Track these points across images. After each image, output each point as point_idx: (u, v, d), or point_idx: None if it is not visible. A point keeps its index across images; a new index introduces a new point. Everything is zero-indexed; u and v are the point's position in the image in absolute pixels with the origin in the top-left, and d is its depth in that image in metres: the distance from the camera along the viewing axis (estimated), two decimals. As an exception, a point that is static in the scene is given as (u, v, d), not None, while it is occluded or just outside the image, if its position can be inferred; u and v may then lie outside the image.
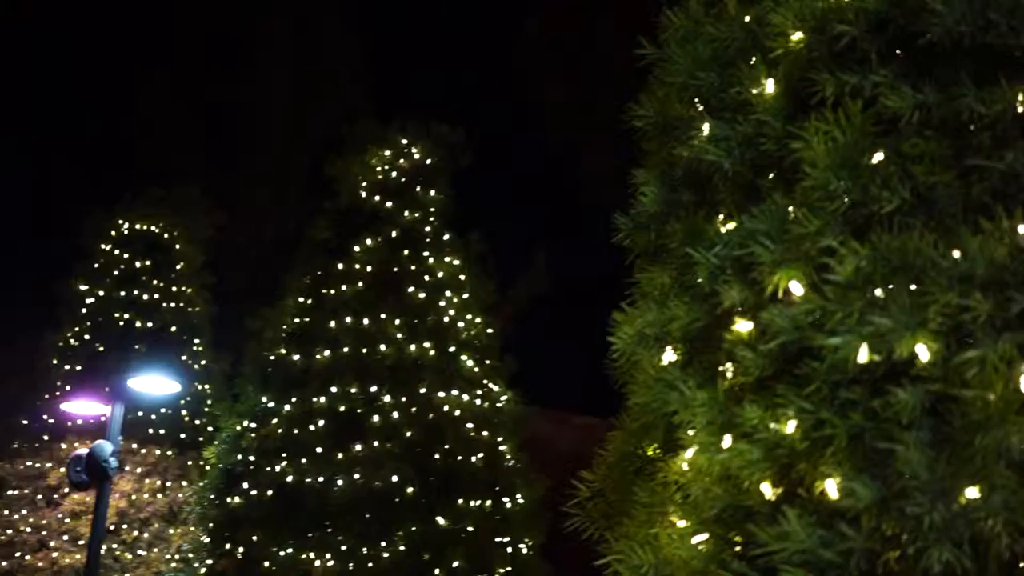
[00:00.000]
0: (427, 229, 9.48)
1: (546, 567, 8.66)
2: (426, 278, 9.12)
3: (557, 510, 8.47)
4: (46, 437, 11.17)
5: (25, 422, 11.48)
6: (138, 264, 12.01)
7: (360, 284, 8.95)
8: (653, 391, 2.72)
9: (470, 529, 8.07)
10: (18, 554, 10.38)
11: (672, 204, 3.00)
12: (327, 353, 8.63)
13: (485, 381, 9.09)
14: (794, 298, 2.35)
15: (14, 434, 11.53)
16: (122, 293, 11.84)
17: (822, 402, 2.19)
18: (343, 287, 8.95)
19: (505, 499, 8.57)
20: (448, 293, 9.18)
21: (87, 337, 11.69)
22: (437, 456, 8.26)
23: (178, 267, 12.35)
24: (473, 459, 8.46)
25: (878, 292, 2.16)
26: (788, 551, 2.09)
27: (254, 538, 8.02)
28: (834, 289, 2.20)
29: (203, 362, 12.09)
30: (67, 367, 11.58)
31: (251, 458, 8.53)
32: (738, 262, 2.55)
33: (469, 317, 9.23)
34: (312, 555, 7.75)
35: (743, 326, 2.55)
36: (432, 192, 9.68)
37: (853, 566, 2.02)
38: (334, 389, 8.42)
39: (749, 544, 2.32)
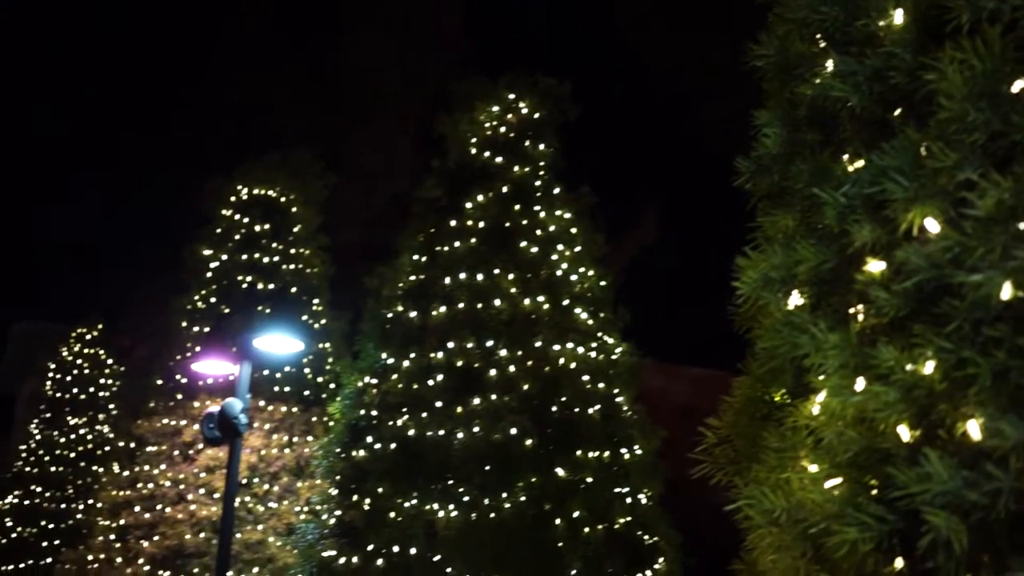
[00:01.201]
0: (537, 183, 9.47)
1: (665, 517, 8.66)
2: (538, 232, 9.12)
3: (673, 461, 8.47)
4: (179, 396, 11.69)
5: (160, 382, 12.02)
6: (257, 228, 12.38)
7: (473, 240, 9.02)
8: (781, 335, 2.68)
9: (589, 480, 8.12)
10: (159, 507, 10.94)
11: (796, 144, 2.93)
12: (443, 309, 8.75)
13: (599, 333, 9.08)
14: (930, 235, 2.28)
15: (150, 394, 12.10)
16: (244, 257, 12.23)
17: (963, 341, 2.12)
18: (456, 244, 9.04)
19: (623, 450, 8.58)
20: (560, 246, 9.17)
21: (213, 300, 12.13)
22: (554, 408, 8.31)
23: (295, 230, 12.68)
24: (590, 411, 8.48)
25: (1022, 226, 2.08)
26: (930, 493, 2.05)
27: (380, 490, 8.24)
28: (974, 224, 2.12)
29: (323, 321, 12.43)
30: (196, 329, 12.05)
31: (373, 413, 8.74)
32: (869, 200, 2.48)
33: (582, 270, 9.21)
34: (436, 506, 7.93)
35: (875, 266, 2.48)
36: (541, 146, 9.66)
37: (1001, 507, 1.97)
38: (451, 344, 8.54)
39: (887, 487, 2.28)
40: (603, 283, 9.38)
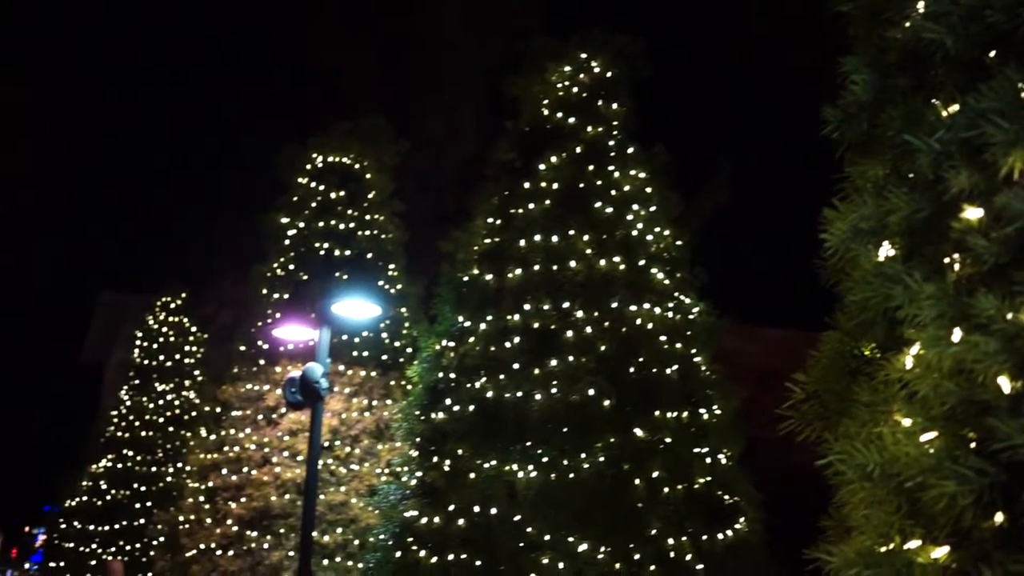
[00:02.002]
0: (611, 143, 9.38)
1: (745, 477, 8.60)
2: (612, 192, 9.04)
3: (749, 423, 8.36)
4: (262, 362, 11.95)
5: (242, 348, 12.30)
6: (333, 195, 12.53)
7: (547, 202, 8.98)
8: (872, 287, 2.62)
9: (668, 440, 8.09)
10: (245, 469, 11.23)
11: (886, 91, 2.84)
12: (518, 271, 8.75)
13: (676, 293, 8.99)
14: (1032, 179, 2.19)
15: (233, 360, 12.40)
16: (320, 224, 12.40)
17: (1068, 287, 2.05)
18: (530, 205, 9.01)
19: (702, 410, 8.52)
20: (635, 206, 9.08)
21: (292, 267, 12.34)
22: (631, 369, 8.27)
23: (370, 196, 12.80)
24: (668, 371, 8.42)
25: None
26: (1035, 444, 1.99)
27: (459, 451, 8.33)
28: (1080, 166, 2.03)
29: (398, 287, 12.56)
30: (275, 296, 12.28)
31: (451, 376, 8.81)
32: (966, 145, 2.39)
33: (657, 230, 9.12)
34: (515, 467, 7.98)
35: (973, 213, 2.40)
36: (614, 105, 9.55)
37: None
38: (527, 306, 8.55)
39: (986, 440, 2.22)
40: (679, 243, 9.28)
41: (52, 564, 15.01)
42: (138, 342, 16.10)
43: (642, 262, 8.83)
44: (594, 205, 8.94)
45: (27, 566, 50.19)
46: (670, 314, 8.79)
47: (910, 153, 2.59)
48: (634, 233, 8.96)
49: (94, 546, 14.35)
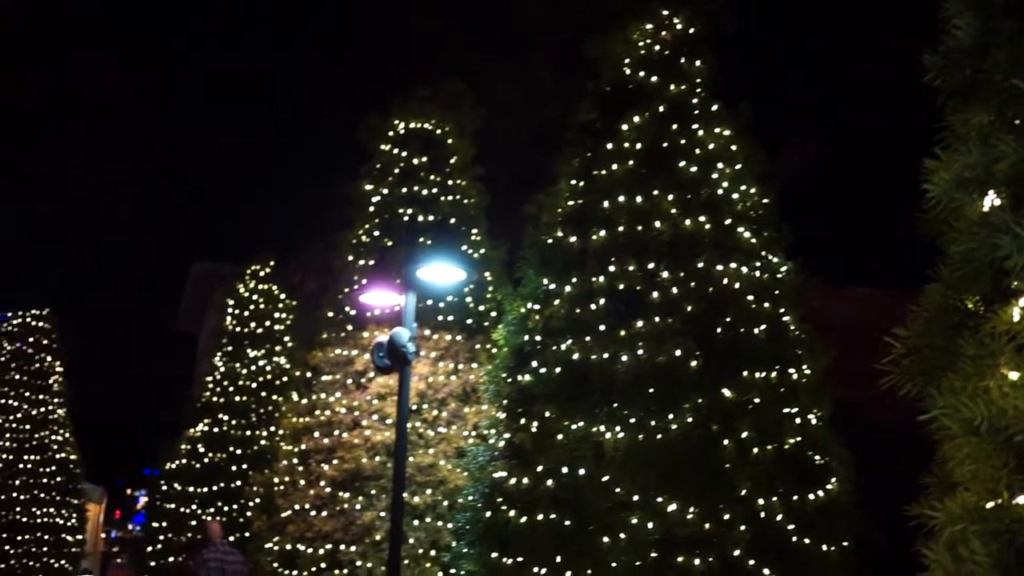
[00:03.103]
0: (695, 101, 9.23)
1: (836, 437, 8.49)
2: (697, 151, 8.92)
3: (838, 382, 8.22)
4: (350, 327, 12.16)
5: (330, 314, 12.53)
6: (415, 161, 12.62)
7: (630, 162, 8.90)
8: (978, 237, 2.56)
9: (756, 400, 8.01)
10: (336, 432, 11.49)
11: (991, 34, 2.74)
12: (603, 233, 8.71)
13: (763, 252, 8.85)
14: None
15: (321, 326, 12.65)
16: (403, 190, 12.52)
17: None
18: (614, 166, 8.94)
19: (791, 370, 8.41)
20: (720, 164, 8.94)
21: (376, 234, 12.50)
22: (719, 329, 8.20)
23: (452, 161, 12.86)
24: (755, 331, 8.32)
25: None
26: None
27: (547, 413, 8.38)
28: None
29: (482, 251, 12.62)
30: (361, 263, 12.46)
31: (537, 338, 8.85)
32: (1078, 88, 2.31)
33: (743, 188, 8.97)
34: (603, 428, 8.00)
35: (1086, 158, 2.32)
36: (697, 62, 9.39)
37: None
38: (612, 268, 8.52)
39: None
40: (765, 201, 9.13)
41: (155, 524, 15.57)
42: (230, 310, 16.50)
43: (728, 221, 8.71)
44: (678, 164, 8.84)
45: (130, 526, 52.34)
46: (757, 273, 8.66)
47: (1017, 98, 2.51)
48: (719, 192, 8.84)
49: (194, 507, 14.85)
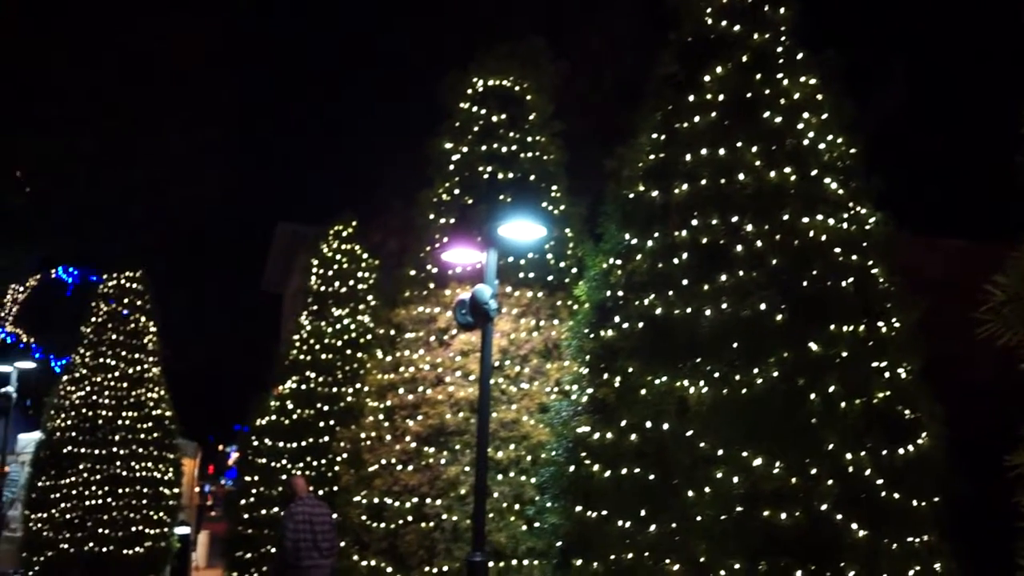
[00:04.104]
0: (779, 50, 9.01)
1: (927, 391, 8.32)
2: (781, 101, 8.72)
3: (929, 337, 8.04)
4: (432, 285, 12.29)
5: (412, 273, 12.66)
6: (495, 119, 12.61)
7: (713, 114, 8.75)
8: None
9: (844, 354, 7.88)
10: (420, 388, 11.66)
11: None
12: (685, 187, 8.61)
13: (851, 203, 8.66)
14: None
15: (404, 284, 12.79)
16: (483, 148, 12.53)
17: None
18: (696, 119, 8.81)
19: (880, 323, 8.25)
20: (806, 114, 8.74)
21: (456, 192, 12.55)
22: (805, 282, 8.06)
23: (531, 118, 12.81)
24: (843, 284, 8.17)
25: None
26: None
27: (629, 368, 8.37)
28: None
29: (562, 207, 12.59)
30: (442, 221, 12.54)
31: (619, 293, 8.82)
32: None
33: (830, 138, 8.76)
34: (686, 383, 7.98)
35: None
36: (781, 9, 9.15)
37: None
38: (695, 222, 8.42)
39: None
40: (853, 151, 8.91)
41: (246, 478, 16.04)
42: (314, 270, 16.79)
43: (814, 172, 8.53)
44: (762, 115, 8.67)
45: (222, 481, 54.11)
46: (844, 225, 8.49)
47: None
48: (805, 142, 8.65)
49: (284, 461, 15.27)
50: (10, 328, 32.68)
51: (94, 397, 21.07)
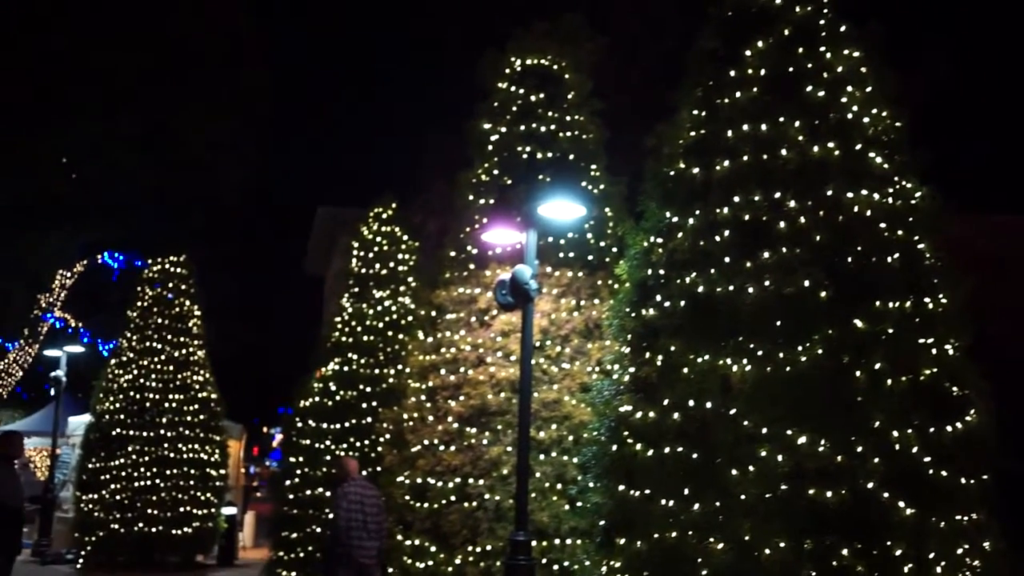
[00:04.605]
0: (821, 23, 8.87)
1: (974, 368, 8.21)
2: (824, 74, 8.59)
3: (976, 312, 7.93)
4: (472, 266, 12.30)
5: (452, 254, 12.68)
6: (533, 98, 12.55)
7: (755, 89, 8.64)
8: None
9: (890, 331, 7.79)
10: (461, 369, 11.70)
11: None
12: (727, 163, 8.52)
13: (896, 178, 8.53)
14: None
15: (444, 265, 12.82)
16: (522, 128, 12.49)
17: None
18: (737, 94, 8.70)
19: (927, 299, 8.13)
20: (849, 88, 8.60)
21: (496, 172, 12.53)
22: (849, 258, 7.96)
23: (569, 96, 12.74)
24: (888, 260, 8.06)
25: None
26: None
27: (672, 347, 8.33)
28: None
29: (601, 186, 12.53)
30: (481, 201, 12.53)
31: (661, 271, 8.77)
32: None
33: (874, 111, 8.62)
34: (729, 361, 7.92)
35: None
36: (823, -19, 9.01)
37: None
38: (737, 198, 8.33)
39: None
40: (898, 124, 8.77)
41: (291, 459, 16.20)
42: (355, 252, 16.85)
43: (858, 146, 8.41)
44: (805, 89, 8.55)
45: (267, 462, 54.82)
46: (890, 200, 8.37)
47: None
48: (849, 116, 8.53)
49: (328, 442, 15.39)
50: (59, 313, 33.28)
51: (141, 380, 21.41)
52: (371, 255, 16.65)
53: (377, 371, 15.63)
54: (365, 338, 15.97)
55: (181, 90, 29.71)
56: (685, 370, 8.13)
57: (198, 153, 30.48)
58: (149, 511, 20.37)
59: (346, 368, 15.85)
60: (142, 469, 20.62)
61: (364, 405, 15.35)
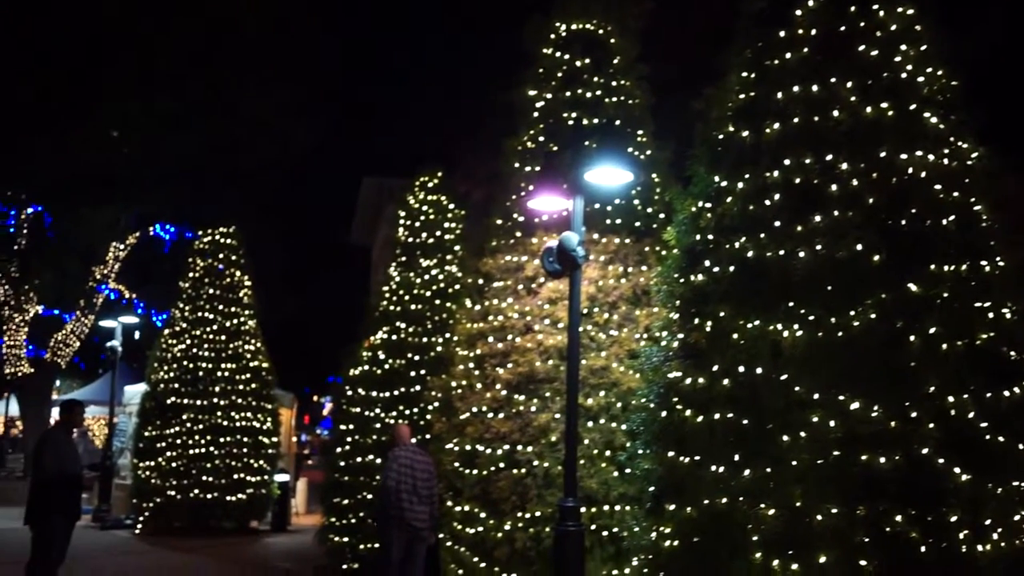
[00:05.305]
0: (873, -21, 8.67)
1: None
2: (877, 33, 8.39)
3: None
4: (518, 234, 12.28)
5: (499, 222, 12.66)
6: (578, 63, 12.43)
7: (805, 49, 8.46)
8: None
9: (945, 295, 7.65)
10: (509, 337, 11.71)
11: None
12: (776, 126, 8.38)
13: (952, 138, 8.34)
14: None
15: (490, 233, 12.81)
16: (567, 94, 12.39)
17: None
18: (787, 55, 8.53)
19: (983, 262, 7.96)
20: (903, 46, 8.39)
21: (541, 139, 12.46)
22: (903, 221, 7.81)
23: (615, 62, 12.60)
24: (943, 222, 7.89)
25: None
26: None
27: (721, 312, 8.26)
28: None
29: (648, 152, 12.41)
30: (527, 169, 12.48)
31: (709, 236, 8.68)
32: None
33: (929, 70, 8.40)
34: (779, 326, 7.84)
35: None
36: (876, -63, 8.78)
37: None
38: (787, 161, 8.20)
39: None
40: (954, 83, 8.55)
41: (341, 427, 16.39)
42: (401, 221, 16.90)
43: (913, 106, 8.22)
44: (857, 48, 8.36)
45: (318, 431, 55.62)
46: (945, 161, 8.18)
47: None
48: (903, 75, 8.33)
49: (377, 410, 15.54)
50: (113, 285, 33.86)
51: (194, 350, 21.80)
52: (417, 224, 16.69)
53: (425, 339, 15.72)
54: (413, 307, 16.05)
55: (225, 64, 29.89)
56: (735, 335, 8.06)
57: (243, 126, 30.70)
58: (204, 478, 20.80)
59: (394, 337, 15.95)
60: (196, 437, 21.04)
61: (413, 373, 15.46)
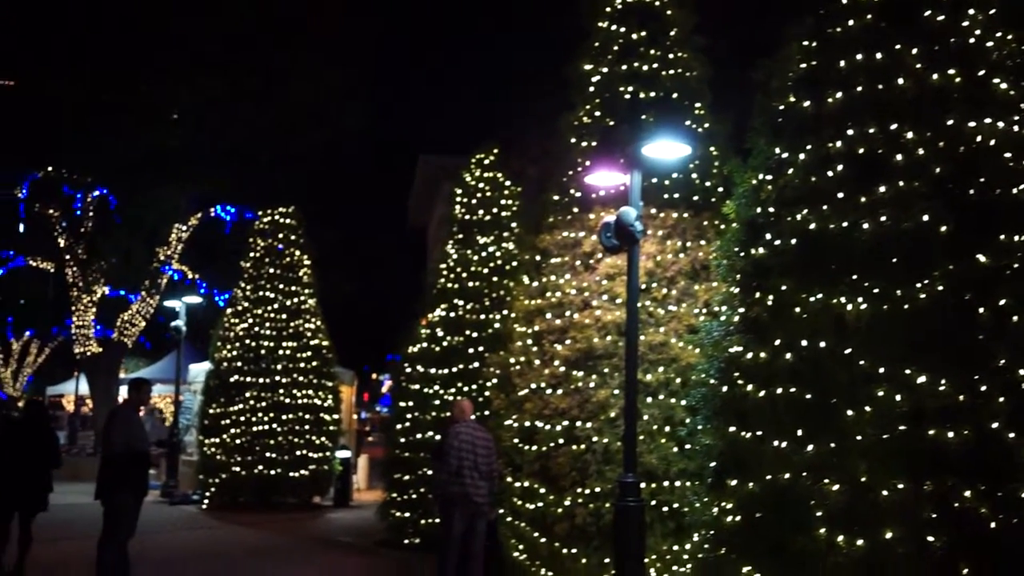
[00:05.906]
0: (940, -59, 8.41)
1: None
2: (944, -3, 8.17)
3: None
4: (576, 209, 12.22)
5: (556, 198, 12.61)
6: (634, 36, 12.29)
7: (868, 16, 8.26)
8: None
9: (1015, 266, 7.43)
10: (567, 313, 11.70)
11: None
12: (839, 95, 8.20)
13: (1023, 105, 8.08)
14: None
15: (548, 210, 12.77)
16: (623, 67, 12.26)
17: None
18: (849, 22, 8.33)
19: (1057, 231, 7.72)
20: (971, 11, 8.13)
21: (597, 114, 12.36)
22: (972, 191, 7.59)
23: (671, 34, 12.43)
24: (1014, 191, 7.66)
25: None
26: None
27: (783, 286, 8.15)
28: None
29: (705, 125, 12.25)
30: (584, 144, 12.40)
31: (770, 209, 8.55)
32: None
33: (999, 35, 8.13)
34: (843, 299, 7.70)
35: None
36: None
37: None
38: (850, 131, 8.02)
39: None
40: (1025, 47, 8.28)
41: (400, 404, 16.54)
42: (458, 198, 16.92)
43: (982, 72, 7.97)
44: (923, 14, 8.13)
45: (377, 408, 56.23)
46: (1016, 128, 7.92)
47: None
48: (971, 41, 8.07)
49: (436, 387, 15.65)
50: (176, 266, 34.49)
51: (256, 328, 22.14)
52: (474, 201, 16.71)
53: (483, 316, 15.77)
54: (470, 284, 16.10)
55: (282, 44, 30.14)
56: (797, 309, 7.94)
57: (301, 107, 30.96)
58: (268, 454, 21.17)
59: (452, 314, 16.02)
60: (260, 414, 21.41)
61: (471, 350, 15.52)
